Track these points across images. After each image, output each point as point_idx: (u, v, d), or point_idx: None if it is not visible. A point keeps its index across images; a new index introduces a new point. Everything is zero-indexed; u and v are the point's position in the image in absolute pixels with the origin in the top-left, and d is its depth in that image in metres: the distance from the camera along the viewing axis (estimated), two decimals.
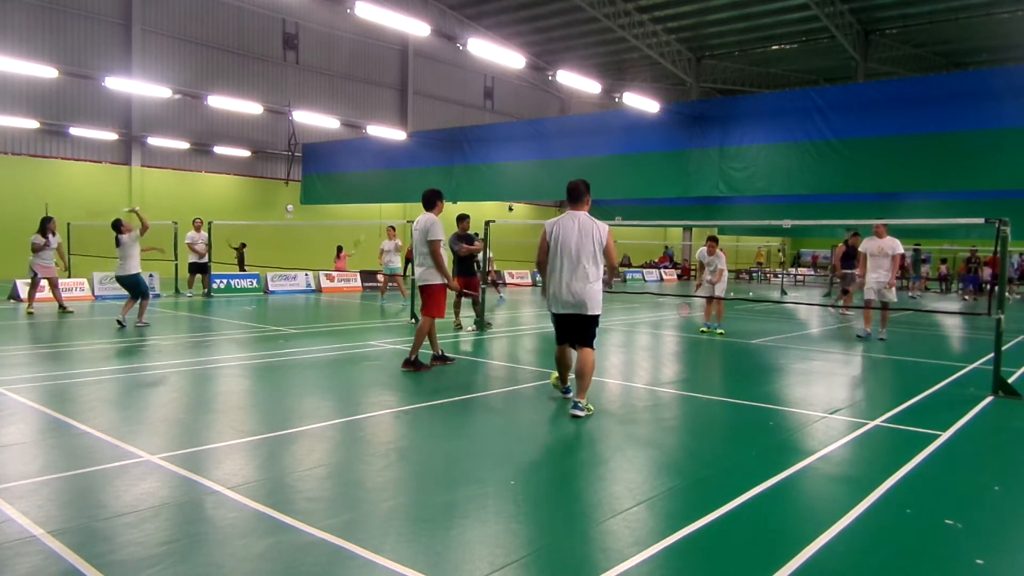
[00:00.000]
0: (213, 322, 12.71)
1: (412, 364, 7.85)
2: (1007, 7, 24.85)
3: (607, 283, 6.03)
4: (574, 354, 6.25)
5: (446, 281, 7.90)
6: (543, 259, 6.20)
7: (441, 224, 7.85)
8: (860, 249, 12.62)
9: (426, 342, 8.11)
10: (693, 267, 37.58)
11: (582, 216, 6.04)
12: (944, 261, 29.51)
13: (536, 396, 6.85)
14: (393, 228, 18.01)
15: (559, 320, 6.23)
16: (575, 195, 6.11)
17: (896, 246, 11.65)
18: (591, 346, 6.10)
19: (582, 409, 5.89)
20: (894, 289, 11.77)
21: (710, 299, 12.24)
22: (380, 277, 18.63)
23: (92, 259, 18.89)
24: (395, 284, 17.71)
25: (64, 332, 10.97)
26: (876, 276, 11.58)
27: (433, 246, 7.72)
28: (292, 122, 27.55)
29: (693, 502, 4.06)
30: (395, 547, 3.33)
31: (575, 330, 6.14)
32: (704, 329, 12.32)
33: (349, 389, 7.08)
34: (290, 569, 3.09)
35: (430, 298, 7.88)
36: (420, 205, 8.06)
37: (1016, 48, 28.42)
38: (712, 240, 12.23)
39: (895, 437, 5.64)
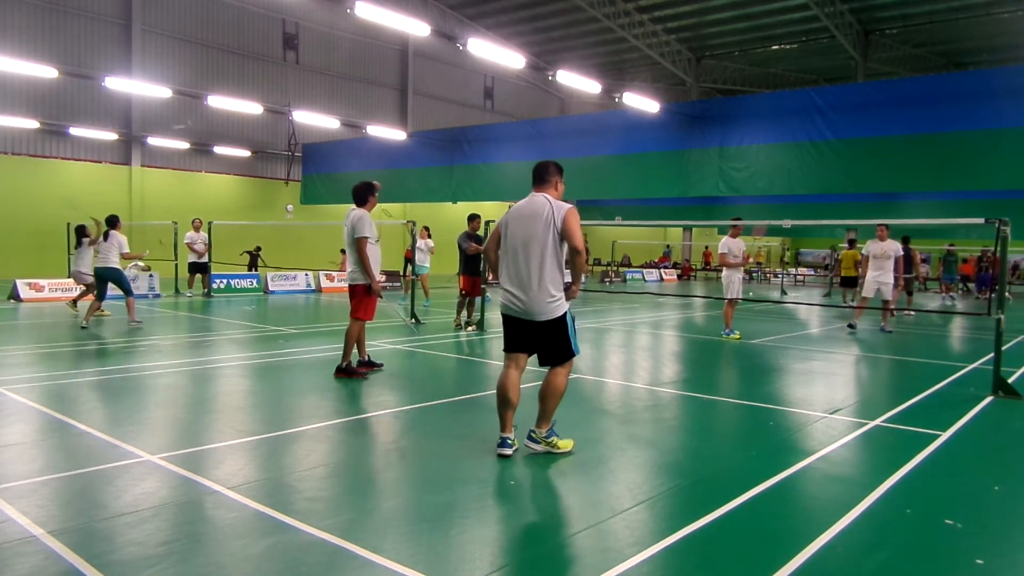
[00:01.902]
0: (213, 322, 12.71)
1: (344, 371, 7.42)
2: (1007, 7, 24.85)
3: (570, 288, 4.68)
4: (538, 385, 4.91)
5: (370, 283, 7.27)
6: (490, 246, 5.03)
7: (370, 220, 7.28)
8: (863, 252, 13.01)
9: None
10: (693, 267, 37.59)
11: (538, 197, 4.74)
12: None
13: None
14: (427, 228, 17.47)
15: (506, 321, 4.82)
16: (538, 173, 4.88)
17: (897, 249, 12.26)
18: (562, 365, 4.75)
19: (538, 442, 4.75)
20: (891, 288, 12.35)
21: (731, 301, 11.48)
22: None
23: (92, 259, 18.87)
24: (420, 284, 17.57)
25: (64, 332, 10.97)
26: (877, 275, 12.24)
27: (359, 243, 7.14)
28: (292, 122, 27.55)
29: (693, 502, 4.06)
30: (395, 547, 3.33)
31: (533, 342, 4.76)
32: (723, 336, 11.45)
33: (349, 389, 7.08)
34: (290, 569, 3.09)
35: (358, 300, 7.37)
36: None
37: (1016, 48, 28.42)
38: (737, 223, 11.67)
39: (895, 437, 5.64)
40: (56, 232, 19.41)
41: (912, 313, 16.20)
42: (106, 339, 10.04)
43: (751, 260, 10.12)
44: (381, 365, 7.95)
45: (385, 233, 9.34)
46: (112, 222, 11.32)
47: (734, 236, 11.61)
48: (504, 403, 4.79)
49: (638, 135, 17.52)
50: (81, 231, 12.40)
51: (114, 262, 11.04)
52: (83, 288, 12.86)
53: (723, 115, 16.28)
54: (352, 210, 7.38)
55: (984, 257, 24.44)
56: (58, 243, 18.98)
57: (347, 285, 7.55)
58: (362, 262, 7.20)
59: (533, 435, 4.81)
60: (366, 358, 7.82)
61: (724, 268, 11.82)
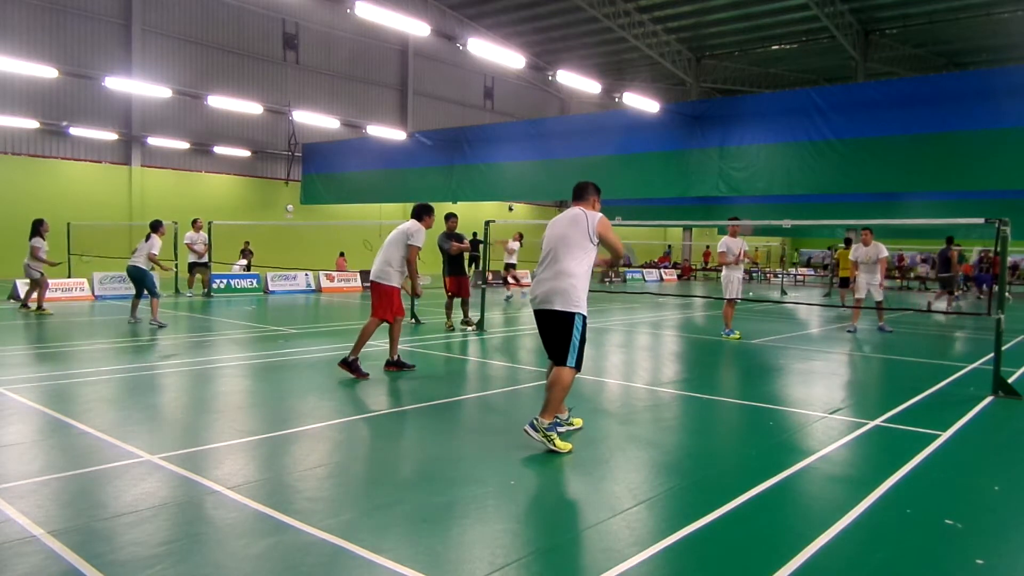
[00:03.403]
0: (213, 322, 12.71)
1: (348, 365, 7.56)
2: (1007, 7, 24.85)
3: (605, 272, 5.25)
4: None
5: (401, 286, 7.87)
6: None
7: (424, 234, 7.87)
8: (851, 257, 13.30)
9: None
10: (693, 267, 37.58)
11: (575, 209, 5.23)
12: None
13: (536, 396, 6.83)
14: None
15: (536, 319, 5.24)
16: (578, 192, 5.38)
17: (881, 251, 12.74)
18: (570, 366, 4.95)
19: (537, 431, 4.88)
20: (882, 288, 12.94)
21: (731, 301, 11.43)
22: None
23: (92, 259, 18.90)
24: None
25: (64, 332, 10.97)
26: (868, 278, 12.88)
27: (411, 251, 7.75)
28: (292, 122, 27.56)
29: (693, 502, 4.06)
30: (395, 547, 3.33)
31: (549, 337, 5.11)
32: (723, 336, 11.42)
33: (349, 389, 7.08)
34: (290, 569, 3.09)
35: (380, 299, 7.76)
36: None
37: (1016, 48, 28.42)
38: (734, 223, 11.61)
39: (895, 437, 5.64)
40: (57, 232, 19.39)
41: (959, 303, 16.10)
42: (106, 339, 10.04)
43: (746, 260, 10.20)
44: (413, 367, 8.14)
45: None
46: (155, 226, 11.84)
47: (732, 235, 11.63)
48: None
49: (638, 135, 17.51)
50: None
51: (140, 262, 11.51)
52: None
53: (723, 115, 16.27)
54: (410, 221, 7.96)
55: (984, 258, 24.43)
56: (58, 243, 18.99)
57: (371, 280, 7.91)
58: (411, 267, 7.83)
59: (534, 423, 4.92)
60: (395, 358, 8.03)
61: (723, 268, 11.85)
